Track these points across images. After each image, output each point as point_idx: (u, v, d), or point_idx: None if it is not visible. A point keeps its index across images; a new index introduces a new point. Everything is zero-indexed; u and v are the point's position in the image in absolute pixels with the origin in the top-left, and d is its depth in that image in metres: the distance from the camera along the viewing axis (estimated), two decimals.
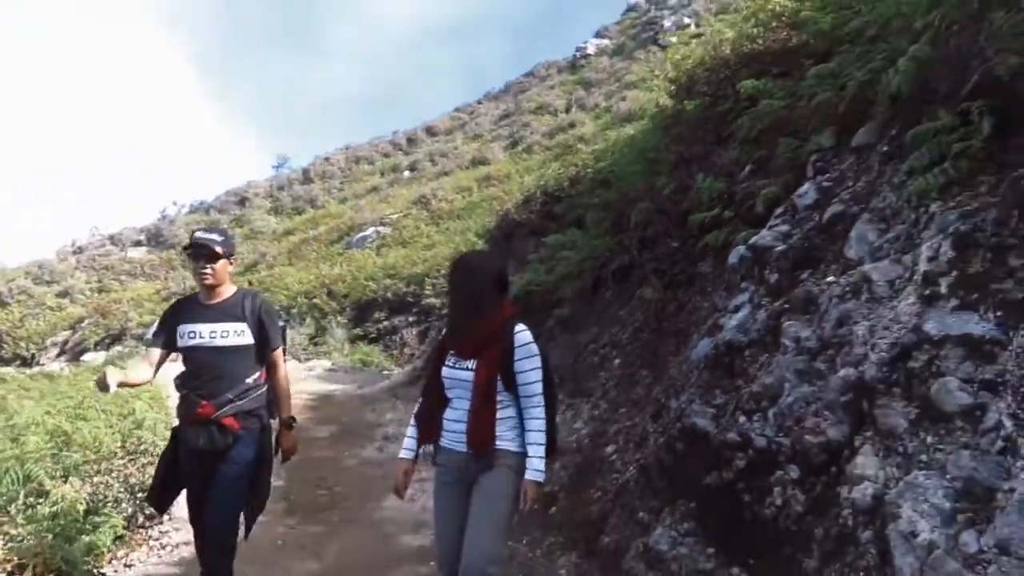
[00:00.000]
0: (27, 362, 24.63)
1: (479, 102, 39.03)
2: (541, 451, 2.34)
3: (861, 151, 3.31)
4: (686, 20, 30.51)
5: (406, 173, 31.50)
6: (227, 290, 2.97)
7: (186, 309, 2.98)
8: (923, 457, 1.99)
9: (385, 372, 12.00)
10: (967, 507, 1.82)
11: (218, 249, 2.87)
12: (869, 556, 1.98)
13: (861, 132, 3.39)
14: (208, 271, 2.86)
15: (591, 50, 35.04)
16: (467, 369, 2.38)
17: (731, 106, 4.89)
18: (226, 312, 2.91)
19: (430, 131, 36.42)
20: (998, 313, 2.00)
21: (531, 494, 2.32)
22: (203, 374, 2.85)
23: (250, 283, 21.47)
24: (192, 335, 2.86)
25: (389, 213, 24.68)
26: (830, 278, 2.76)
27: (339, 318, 17.14)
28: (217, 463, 2.83)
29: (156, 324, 3.07)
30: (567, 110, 29.92)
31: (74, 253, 35.92)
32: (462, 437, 2.37)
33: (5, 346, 25.94)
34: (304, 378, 10.61)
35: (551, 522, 3.79)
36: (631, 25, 34.94)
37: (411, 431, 2.57)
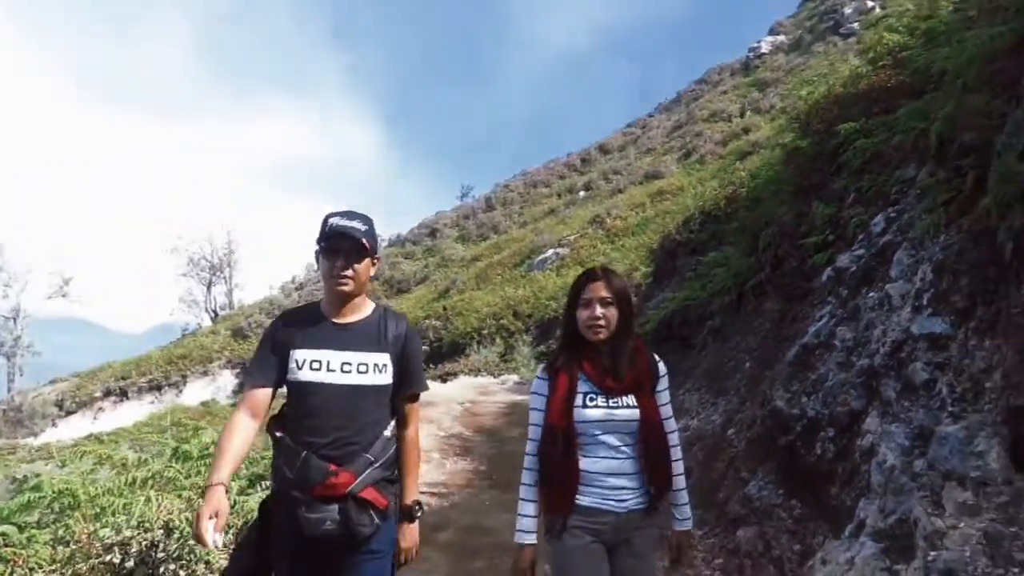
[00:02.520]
0: None
1: (650, 115, 40.10)
2: (686, 495, 2.27)
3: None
4: (869, 3, 29.24)
5: (581, 193, 33.29)
6: (364, 305, 2.23)
7: (305, 327, 2.16)
8: (902, 415, 3.05)
9: None
10: (917, 444, 2.88)
11: (364, 241, 2.13)
12: (864, 481, 3.08)
13: (923, 169, 4.28)
14: (349, 275, 2.12)
15: (765, 48, 34.67)
16: (628, 407, 2.09)
17: (841, 141, 5.79)
18: (365, 336, 2.17)
19: (603, 149, 38.08)
20: (951, 317, 3.02)
21: (687, 544, 2.27)
22: (331, 424, 2.07)
23: (444, 308, 24.30)
24: (315, 365, 2.09)
25: (567, 235, 26.47)
26: (872, 294, 3.79)
27: (524, 336, 19.10)
28: (348, 556, 2.09)
29: (257, 347, 2.21)
30: (741, 115, 29.98)
31: (296, 289, 42.19)
32: (622, 493, 2.09)
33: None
34: (498, 391, 12.55)
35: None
36: (808, 16, 34.08)
37: (529, 507, 2.15)
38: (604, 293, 2.12)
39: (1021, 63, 3.03)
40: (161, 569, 2.66)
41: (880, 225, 4.35)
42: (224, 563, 2.94)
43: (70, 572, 2.53)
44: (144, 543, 2.68)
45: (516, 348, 17.81)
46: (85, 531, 2.66)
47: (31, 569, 2.50)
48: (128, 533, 2.69)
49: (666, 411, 2.21)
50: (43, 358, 38.57)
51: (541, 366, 2.28)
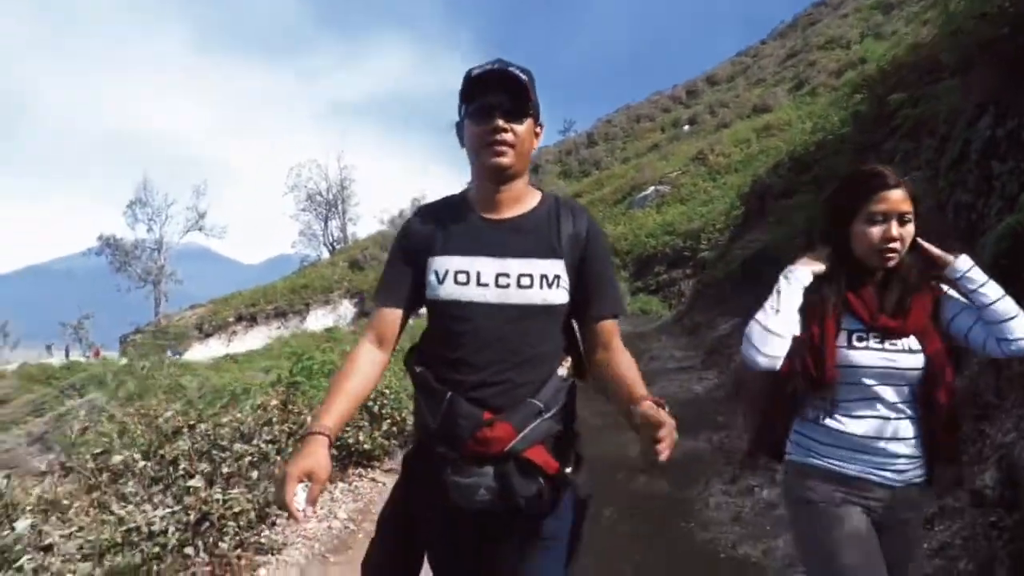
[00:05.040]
0: None
1: (763, 42, 39.07)
2: None
3: None
4: None
5: (686, 127, 33.52)
6: (528, 194, 1.67)
7: (447, 226, 1.65)
8: None
9: (659, 316, 15.06)
10: None
11: (529, 90, 1.56)
12: None
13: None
14: (508, 139, 1.55)
15: None
16: (911, 351, 1.67)
17: (895, 107, 6.81)
18: (529, 236, 1.61)
19: (710, 80, 37.74)
20: None
21: None
22: (484, 358, 1.56)
23: None
24: (462, 278, 1.58)
25: (668, 172, 27.22)
26: None
27: (622, 273, 20.48)
28: (509, 540, 1.59)
29: (388, 257, 1.74)
30: (860, 41, 29.08)
31: None
32: (899, 462, 1.68)
33: (368, 303, 34.59)
34: None
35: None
36: None
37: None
38: (905, 207, 1.65)
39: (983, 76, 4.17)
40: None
41: None
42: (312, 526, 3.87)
43: None
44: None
45: None
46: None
47: (310, 408, 4.38)
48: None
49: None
50: (175, 285, 43.67)
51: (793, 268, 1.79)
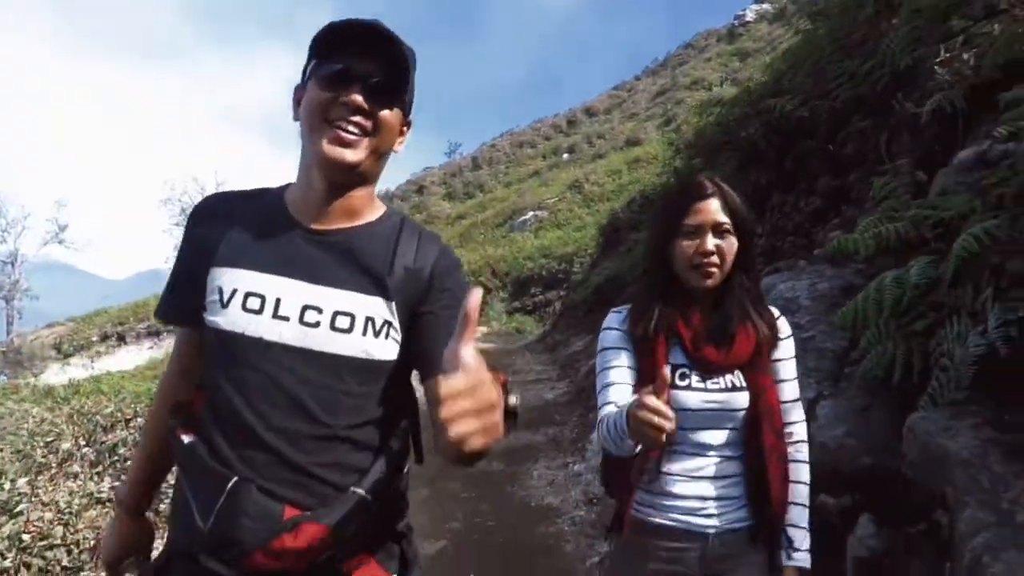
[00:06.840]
0: None
1: (637, 78, 42.40)
2: (806, 516, 1.57)
3: None
4: None
5: (565, 156, 35.89)
6: (370, 205, 1.24)
7: (246, 227, 1.19)
8: None
9: (531, 334, 16.71)
10: None
11: (408, 61, 1.15)
12: None
13: None
14: (364, 124, 1.13)
15: (750, 16, 36.86)
16: (734, 388, 1.52)
17: (699, 169, 8.68)
18: (358, 259, 1.18)
19: (589, 112, 40.49)
20: None
21: None
22: (281, 425, 1.10)
23: None
24: (255, 303, 1.13)
25: (547, 198, 29.25)
26: None
27: (501, 293, 22.10)
28: None
29: (179, 250, 1.26)
30: (720, 85, 32.44)
31: None
32: (711, 505, 1.53)
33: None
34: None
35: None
36: None
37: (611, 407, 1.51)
38: (720, 217, 1.49)
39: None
40: None
41: None
42: None
43: None
44: None
45: (491, 304, 20.81)
46: None
47: None
48: None
49: (790, 390, 1.59)
50: (30, 302, 41.42)
51: (612, 315, 1.64)
